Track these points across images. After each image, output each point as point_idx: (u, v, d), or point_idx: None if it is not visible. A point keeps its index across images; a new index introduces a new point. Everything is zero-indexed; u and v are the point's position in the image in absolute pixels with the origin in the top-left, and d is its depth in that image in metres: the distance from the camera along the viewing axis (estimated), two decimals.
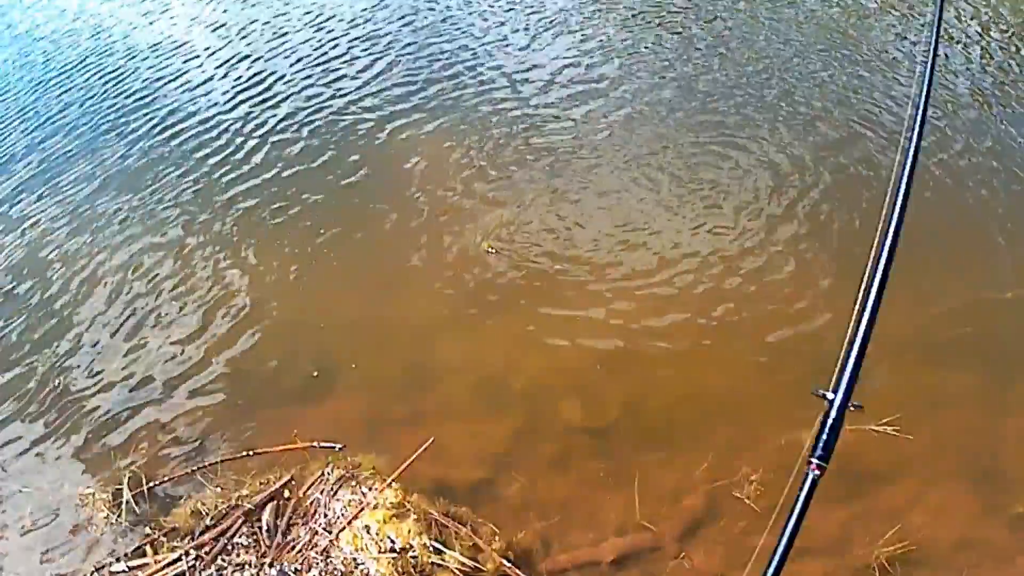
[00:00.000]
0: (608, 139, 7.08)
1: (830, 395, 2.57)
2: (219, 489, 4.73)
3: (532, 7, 9.35)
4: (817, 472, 2.44)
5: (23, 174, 7.97)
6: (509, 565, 4.24)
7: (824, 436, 2.51)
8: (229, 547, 4.44)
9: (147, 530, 4.58)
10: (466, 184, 6.73)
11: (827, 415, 2.54)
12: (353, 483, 4.63)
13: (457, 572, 4.19)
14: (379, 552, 4.26)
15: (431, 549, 4.25)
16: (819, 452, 2.49)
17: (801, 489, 2.45)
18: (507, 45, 8.68)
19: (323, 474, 4.71)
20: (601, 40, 8.55)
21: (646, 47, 8.34)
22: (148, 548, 4.49)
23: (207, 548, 4.42)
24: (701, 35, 8.47)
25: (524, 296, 5.75)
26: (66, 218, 7.21)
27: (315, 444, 4.87)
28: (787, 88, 7.46)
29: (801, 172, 6.46)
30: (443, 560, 4.22)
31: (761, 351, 5.19)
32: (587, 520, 4.51)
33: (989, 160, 6.43)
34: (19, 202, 7.60)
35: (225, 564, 4.36)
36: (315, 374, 5.37)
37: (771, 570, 2.32)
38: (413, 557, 4.23)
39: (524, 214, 6.39)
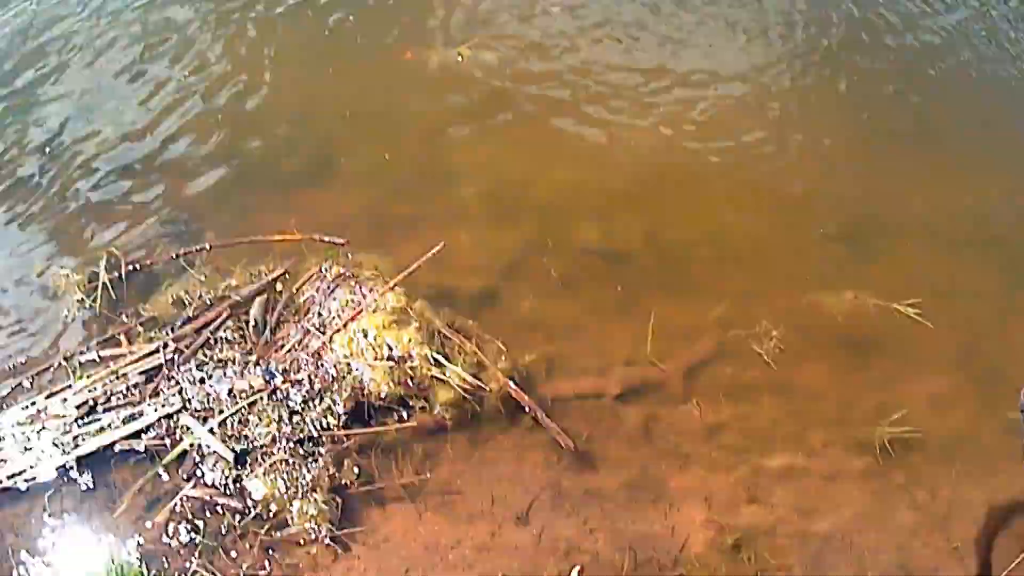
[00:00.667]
0: None
1: None
2: (204, 278, 4.24)
3: None
4: None
5: None
6: (514, 387, 3.77)
7: None
8: (212, 341, 3.99)
9: (123, 318, 4.12)
10: None
11: None
12: (352, 283, 4.11)
13: (458, 389, 3.71)
14: (375, 359, 3.79)
15: (432, 361, 3.76)
16: None
17: None
18: None
19: (320, 270, 4.19)
20: None
21: None
22: (123, 337, 4.04)
23: (187, 341, 3.98)
24: None
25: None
26: None
27: (315, 237, 4.31)
28: None
29: None
30: (443, 374, 3.73)
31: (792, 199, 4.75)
32: (595, 348, 4.07)
33: None
34: None
35: (206, 360, 3.92)
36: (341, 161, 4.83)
37: None
38: (412, 368, 3.76)
39: None
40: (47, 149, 5.05)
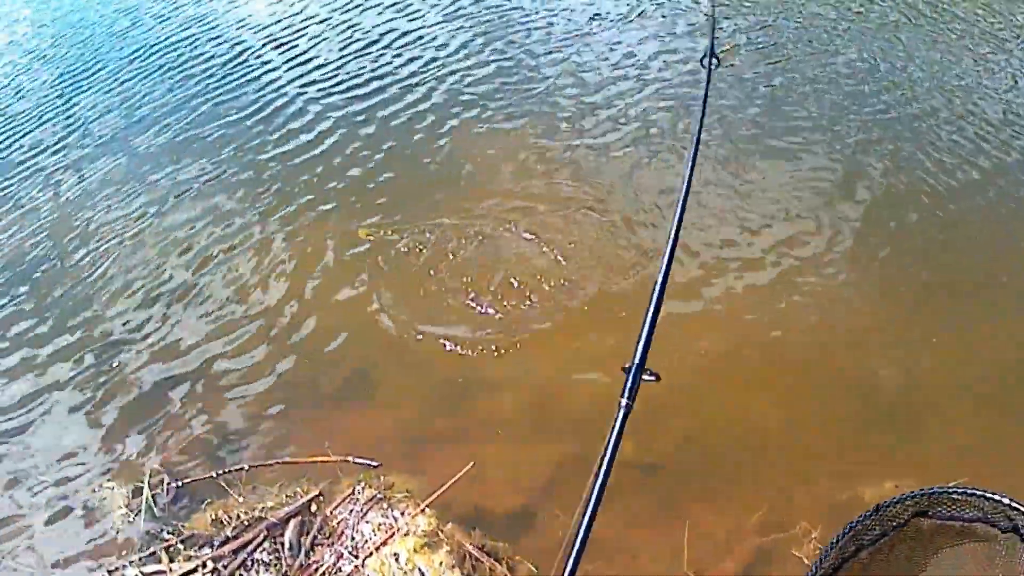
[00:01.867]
0: None
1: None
2: (243, 498, 4.47)
3: None
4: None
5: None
6: None
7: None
8: (248, 562, 4.18)
9: (165, 534, 4.33)
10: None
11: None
12: (384, 505, 4.35)
13: None
14: None
15: None
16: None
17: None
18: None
19: (353, 492, 4.44)
20: None
21: None
22: (163, 553, 4.24)
23: (225, 561, 4.17)
24: None
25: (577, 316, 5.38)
26: (119, 187, 7.22)
27: (348, 459, 4.58)
28: None
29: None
30: None
31: (825, 388, 4.82)
32: (630, 565, 4.12)
33: None
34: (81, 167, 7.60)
35: None
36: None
37: None
38: None
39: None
40: (99, 358, 5.44)
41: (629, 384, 2.86)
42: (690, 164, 3.62)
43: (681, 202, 3.36)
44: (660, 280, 3.05)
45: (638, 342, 2.90)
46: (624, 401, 2.85)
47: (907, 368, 4.80)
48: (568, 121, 7.05)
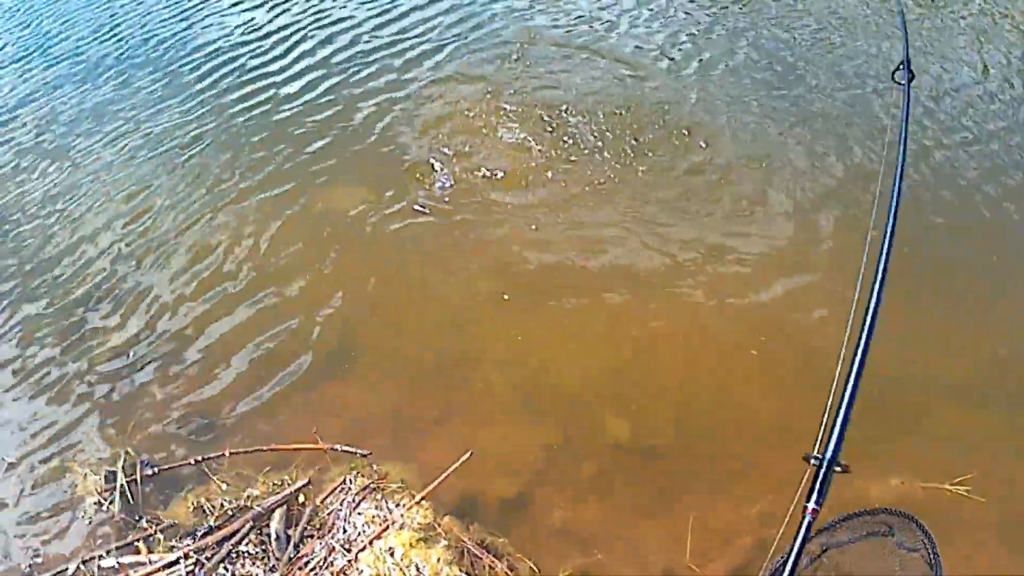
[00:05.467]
0: None
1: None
2: (226, 485, 4.23)
3: None
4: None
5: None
6: None
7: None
8: (234, 554, 3.95)
9: (144, 523, 4.07)
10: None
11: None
12: (378, 496, 4.16)
13: None
14: None
15: None
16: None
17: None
18: None
19: (345, 482, 4.23)
20: None
21: None
22: (141, 544, 3.99)
23: (209, 553, 3.93)
24: None
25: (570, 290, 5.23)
26: (99, 158, 6.81)
27: (337, 447, 4.37)
28: None
29: None
30: None
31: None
32: (631, 557, 3.99)
33: None
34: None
35: (228, 573, 3.87)
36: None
37: None
38: None
39: None
40: (71, 336, 5.14)
41: (819, 484, 2.46)
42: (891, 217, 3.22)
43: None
44: (858, 361, 2.68)
45: (824, 428, 2.56)
46: (811, 507, 2.43)
47: (910, 362, 4.72)
48: None
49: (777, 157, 6.14)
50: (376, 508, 4.09)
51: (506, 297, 5.16)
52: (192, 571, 3.85)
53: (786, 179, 5.96)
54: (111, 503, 4.13)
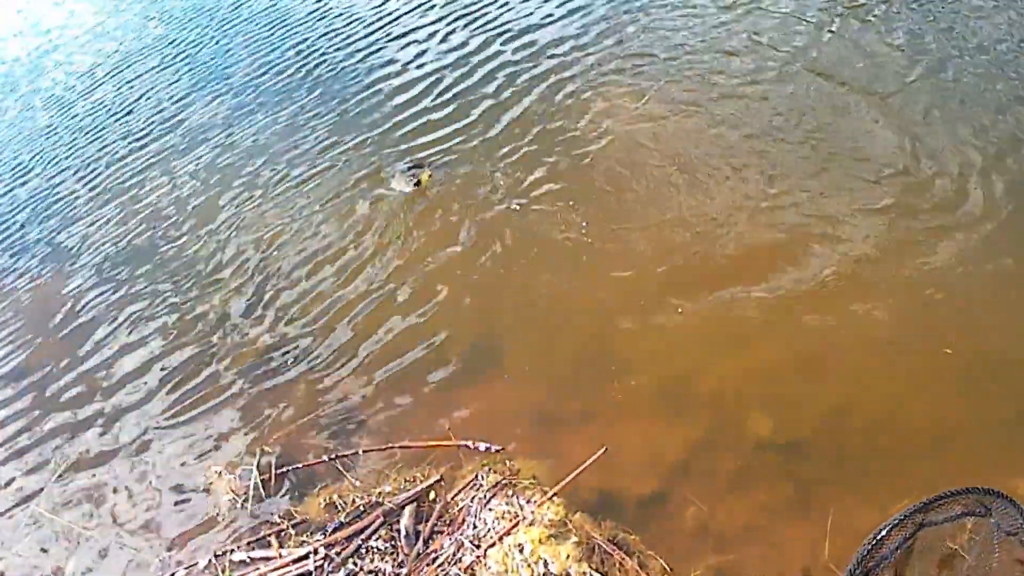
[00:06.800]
0: None
1: None
2: (358, 483, 4.14)
3: None
4: None
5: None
6: None
7: None
8: (363, 550, 3.82)
9: (276, 518, 4.03)
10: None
11: None
12: (509, 492, 3.91)
13: None
14: None
15: None
16: None
17: None
18: None
19: (476, 478, 4.02)
20: None
21: None
22: (273, 539, 3.93)
23: (338, 548, 3.82)
24: None
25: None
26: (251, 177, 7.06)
27: (469, 443, 4.18)
28: None
29: None
30: None
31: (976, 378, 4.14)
32: (769, 557, 3.60)
33: None
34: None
35: (356, 568, 3.74)
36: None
37: None
38: None
39: None
40: (216, 334, 5.30)
41: None
42: None
43: None
44: None
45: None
46: None
47: None
48: None
49: None
50: (507, 504, 3.86)
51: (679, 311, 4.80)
52: (321, 566, 3.74)
53: None
54: (245, 500, 4.12)
